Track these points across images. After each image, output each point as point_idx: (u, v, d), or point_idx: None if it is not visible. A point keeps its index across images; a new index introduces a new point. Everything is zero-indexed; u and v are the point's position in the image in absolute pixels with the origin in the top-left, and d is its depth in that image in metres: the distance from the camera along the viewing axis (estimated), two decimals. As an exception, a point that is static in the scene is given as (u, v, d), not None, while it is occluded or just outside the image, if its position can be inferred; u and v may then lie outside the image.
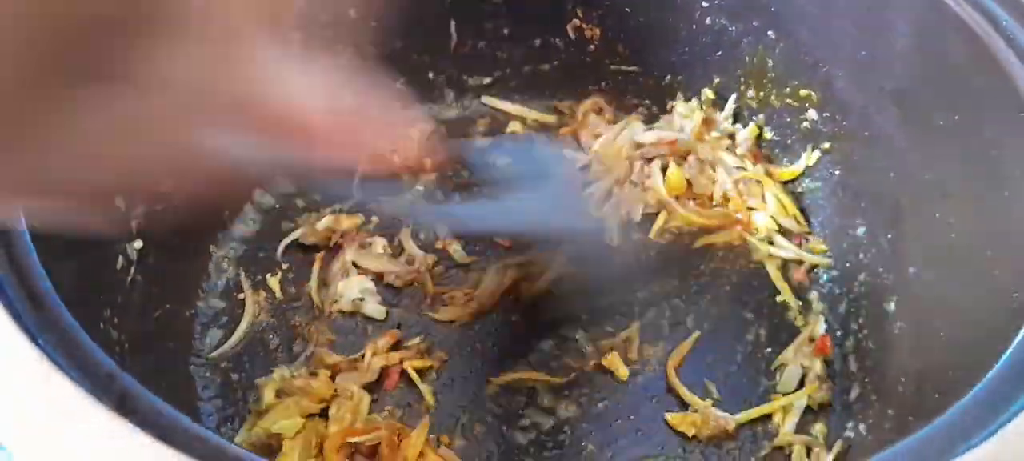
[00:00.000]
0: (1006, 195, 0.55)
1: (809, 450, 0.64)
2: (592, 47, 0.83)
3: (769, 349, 0.70)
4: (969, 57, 0.59)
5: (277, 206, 0.76)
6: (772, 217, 0.76)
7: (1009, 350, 0.43)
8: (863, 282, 0.70)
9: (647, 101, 0.84)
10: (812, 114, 0.75)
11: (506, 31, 0.83)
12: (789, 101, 0.76)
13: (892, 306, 0.66)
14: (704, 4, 0.77)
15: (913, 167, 0.65)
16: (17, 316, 0.41)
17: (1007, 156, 0.56)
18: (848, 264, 0.73)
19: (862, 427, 0.64)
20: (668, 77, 0.82)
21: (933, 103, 0.63)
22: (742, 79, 0.78)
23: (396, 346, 0.68)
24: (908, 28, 0.64)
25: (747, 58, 0.77)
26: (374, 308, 0.70)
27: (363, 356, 0.66)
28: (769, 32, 0.75)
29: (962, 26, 0.59)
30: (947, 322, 0.59)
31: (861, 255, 0.71)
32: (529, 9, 0.82)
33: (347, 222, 0.73)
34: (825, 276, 0.74)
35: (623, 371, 0.67)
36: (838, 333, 0.70)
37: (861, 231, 0.71)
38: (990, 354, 0.45)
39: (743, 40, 0.76)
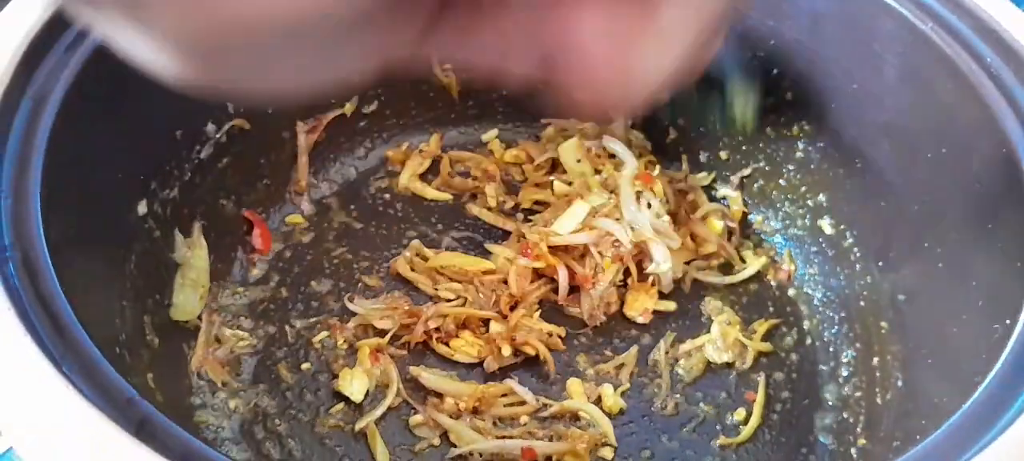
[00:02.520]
0: (989, 227, 0.57)
1: None
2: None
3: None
4: (955, 92, 0.61)
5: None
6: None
7: (985, 382, 0.45)
8: (855, 309, 0.72)
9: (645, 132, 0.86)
10: (806, 144, 0.77)
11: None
12: (784, 131, 0.78)
13: (884, 333, 0.68)
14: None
15: (902, 198, 0.67)
16: (41, 342, 0.43)
17: (991, 189, 0.58)
18: (842, 292, 0.74)
19: (853, 451, 0.66)
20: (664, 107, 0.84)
21: (922, 136, 0.65)
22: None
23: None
24: (897, 62, 0.66)
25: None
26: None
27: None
28: (765, 65, 0.76)
29: (948, 62, 0.61)
30: (934, 350, 0.60)
31: (853, 283, 0.73)
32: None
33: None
34: (818, 303, 0.76)
35: (616, 405, 0.69)
36: (832, 363, 0.72)
37: (853, 259, 0.73)
38: (971, 383, 0.46)
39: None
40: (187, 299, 0.69)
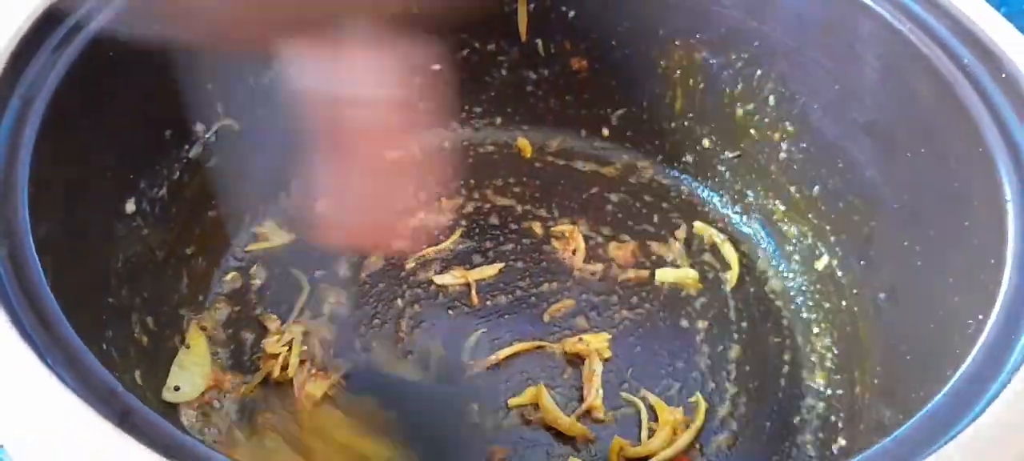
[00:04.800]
0: (966, 225, 0.57)
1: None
2: (579, 79, 0.86)
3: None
4: (933, 92, 0.62)
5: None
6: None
7: (955, 377, 0.46)
8: (837, 308, 0.73)
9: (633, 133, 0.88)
10: (789, 145, 0.78)
11: (505, 72, 0.87)
12: (768, 132, 0.79)
13: (864, 330, 0.69)
14: (690, 41, 0.80)
15: (883, 197, 0.68)
16: (27, 335, 0.44)
17: (968, 188, 0.58)
18: (824, 290, 0.75)
19: (834, 448, 0.67)
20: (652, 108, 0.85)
21: (901, 136, 0.66)
22: (723, 110, 0.81)
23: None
24: (878, 63, 0.67)
25: (727, 90, 0.80)
26: None
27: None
28: (749, 66, 0.78)
29: (926, 62, 0.62)
30: (911, 347, 0.61)
31: (835, 281, 0.74)
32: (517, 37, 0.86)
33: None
34: (800, 303, 0.77)
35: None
36: (813, 361, 0.73)
37: (835, 258, 0.74)
38: (945, 378, 0.47)
39: (724, 73, 0.79)
40: (193, 384, 0.68)
